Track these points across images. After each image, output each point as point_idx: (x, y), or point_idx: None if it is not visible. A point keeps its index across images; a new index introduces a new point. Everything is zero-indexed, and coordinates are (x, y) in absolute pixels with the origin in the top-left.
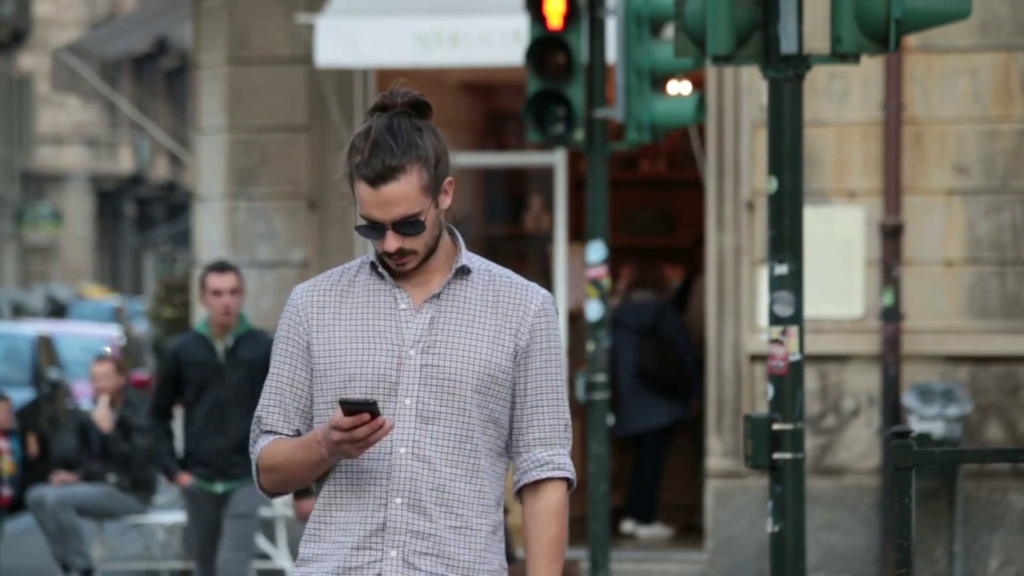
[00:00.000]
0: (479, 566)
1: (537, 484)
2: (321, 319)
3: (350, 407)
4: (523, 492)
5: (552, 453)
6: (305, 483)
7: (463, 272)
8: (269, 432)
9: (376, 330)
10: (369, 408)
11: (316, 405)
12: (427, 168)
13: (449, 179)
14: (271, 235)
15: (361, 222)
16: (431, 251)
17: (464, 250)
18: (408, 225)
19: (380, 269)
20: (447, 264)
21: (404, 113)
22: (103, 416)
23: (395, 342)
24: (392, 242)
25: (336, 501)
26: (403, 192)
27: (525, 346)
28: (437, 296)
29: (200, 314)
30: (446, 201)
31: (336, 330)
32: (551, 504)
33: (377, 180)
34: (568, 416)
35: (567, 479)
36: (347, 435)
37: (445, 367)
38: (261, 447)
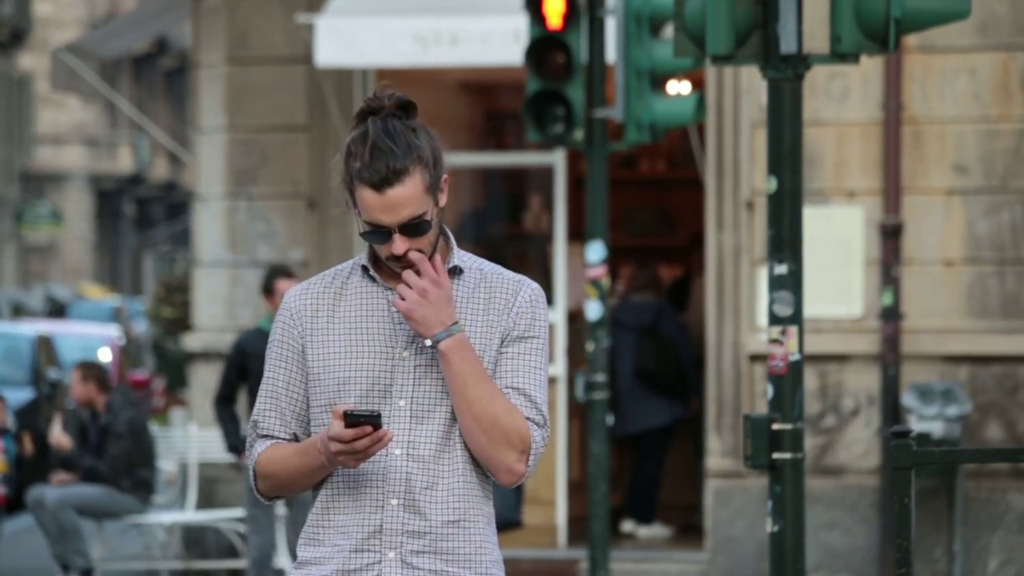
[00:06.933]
0: (479, 556)
1: None
2: (315, 323)
3: (354, 419)
4: None
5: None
6: (303, 489)
7: (456, 272)
8: (266, 437)
9: (369, 333)
10: (372, 421)
11: (311, 409)
12: (428, 168)
13: (445, 176)
14: (271, 235)
15: (365, 228)
16: (434, 250)
17: (456, 249)
18: (415, 227)
19: (372, 272)
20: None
21: (394, 115)
22: (59, 438)
23: (388, 344)
24: (400, 245)
25: (333, 504)
26: (408, 194)
27: (507, 333)
28: None
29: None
30: (443, 198)
31: (330, 334)
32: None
33: (382, 184)
34: (544, 403)
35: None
36: (347, 447)
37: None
38: (258, 452)
